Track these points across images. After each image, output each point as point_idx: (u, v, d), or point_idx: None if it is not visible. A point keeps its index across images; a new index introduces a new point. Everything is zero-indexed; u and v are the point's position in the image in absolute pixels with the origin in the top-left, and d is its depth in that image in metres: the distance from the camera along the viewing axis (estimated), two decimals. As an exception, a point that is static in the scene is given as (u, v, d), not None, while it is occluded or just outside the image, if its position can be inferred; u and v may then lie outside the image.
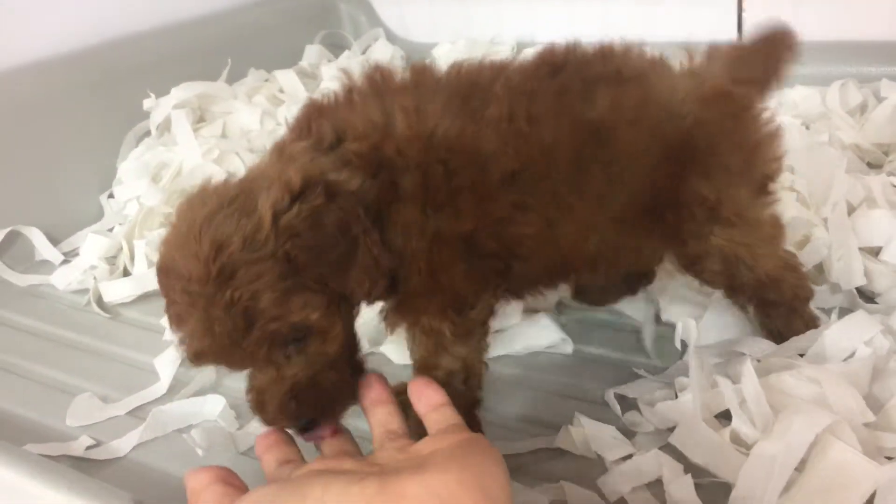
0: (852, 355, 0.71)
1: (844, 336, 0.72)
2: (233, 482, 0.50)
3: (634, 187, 0.66)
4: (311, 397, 0.55)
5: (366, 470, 0.46)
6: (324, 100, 0.63)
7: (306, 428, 0.55)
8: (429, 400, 0.55)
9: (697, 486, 0.62)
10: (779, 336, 0.77)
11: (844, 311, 0.79)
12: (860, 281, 0.85)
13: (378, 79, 0.63)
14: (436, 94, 0.61)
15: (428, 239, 0.59)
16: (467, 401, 0.68)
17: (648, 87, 0.66)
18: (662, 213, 0.69)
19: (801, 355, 0.73)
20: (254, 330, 0.51)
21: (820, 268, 0.89)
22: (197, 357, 0.53)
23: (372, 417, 0.56)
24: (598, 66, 0.66)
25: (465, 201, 0.60)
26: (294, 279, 0.52)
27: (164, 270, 0.54)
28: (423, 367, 0.67)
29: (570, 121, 0.63)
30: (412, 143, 0.59)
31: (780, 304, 0.76)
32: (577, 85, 0.64)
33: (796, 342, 0.74)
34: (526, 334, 0.82)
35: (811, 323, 0.77)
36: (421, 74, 0.64)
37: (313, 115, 0.61)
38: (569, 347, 0.86)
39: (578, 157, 0.63)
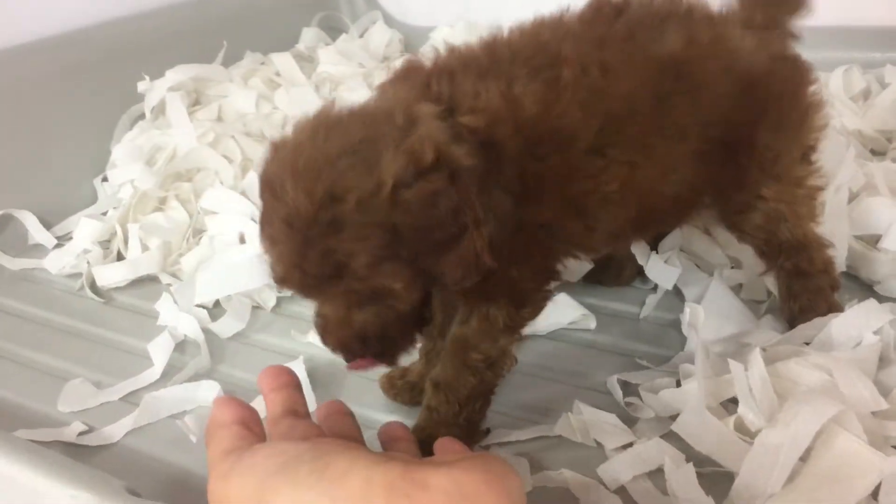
0: (859, 344, 0.70)
1: (853, 324, 0.71)
2: (253, 427, 0.49)
3: (712, 118, 0.65)
4: (374, 341, 0.57)
5: (386, 457, 0.45)
6: (438, 59, 0.62)
7: (362, 361, 0.59)
8: (451, 451, 0.55)
9: (699, 475, 0.61)
10: (795, 319, 0.77)
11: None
12: (841, 267, 0.85)
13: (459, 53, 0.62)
14: (514, 67, 0.59)
15: (510, 230, 0.57)
16: (487, 388, 0.69)
17: (721, 28, 0.67)
18: (736, 152, 0.69)
19: (807, 344, 0.72)
20: (339, 281, 0.51)
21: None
22: (281, 281, 0.54)
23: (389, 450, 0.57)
24: (667, 4, 0.66)
25: (551, 190, 0.59)
26: (392, 248, 0.51)
27: (270, 189, 0.52)
28: (461, 346, 0.66)
29: (645, 59, 0.62)
30: (520, 130, 0.57)
31: (810, 277, 0.77)
32: (647, 21, 0.63)
33: (803, 330, 0.73)
34: (546, 313, 0.82)
35: (834, 309, 0.76)
36: (493, 44, 0.62)
37: (434, 74, 0.59)
38: (592, 322, 0.87)
39: (657, 94, 0.62)
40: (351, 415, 0.58)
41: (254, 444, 0.46)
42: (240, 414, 0.50)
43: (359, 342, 0.57)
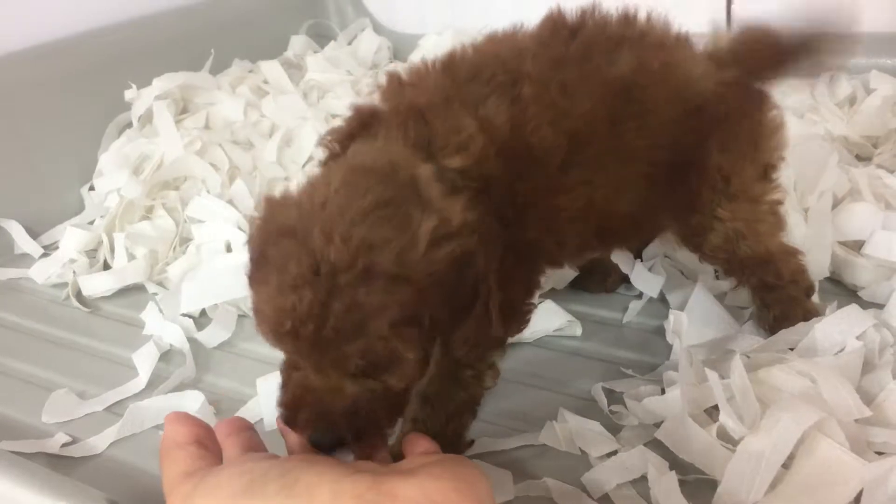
0: (843, 350, 0.71)
1: (836, 329, 0.72)
2: (209, 446, 0.48)
3: (662, 142, 0.66)
4: (358, 421, 0.52)
5: (353, 468, 0.45)
6: (399, 98, 0.60)
7: (331, 447, 0.52)
8: (422, 449, 0.53)
9: (683, 483, 0.61)
10: (773, 327, 0.78)
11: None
12: (824, 274, 0.86)
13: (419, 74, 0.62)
14: (476, 86, 0.59)
15: (501, 252, 0.56)
16: (474, 401, 0.68)
17: (672, 54, 0.67)
18: (686, 173, 0.70)
19: (792, 349, 0.72)
20: (360, 339, 0.48)
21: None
22: (282, 336, 0.49)
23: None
24: (620, 27, 0.66)
25: (535, 207, 0.59)
26: (417, 310, 0.49)
27: (287, 231, 0.50)
28: (454, 366, 0.66)
29: (600, 81, 0.62)
30: (500, 153, 0.56)
31: (779, 288, 0.77)
32: (602, 44, 0.64)
33: (786, 335, 0.74)
34: (532, 319, 0.82)
35: (811, 315, 0.77)
36: (451, 64, 0.62)
37: (409, 116, 0.58)
38: (578, 329, 0.87)
39: (611, 116, 0.62)
40: (251, 429, 0.55)
41: (213, 464, 0.45)
42: (195, 432, 0.48)
43: (345, 418, 0.52)
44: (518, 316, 0.64)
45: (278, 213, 0.52)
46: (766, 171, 0.75)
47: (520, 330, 0.66)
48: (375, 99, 0.62)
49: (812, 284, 0.80)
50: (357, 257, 0.47)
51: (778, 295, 0.78)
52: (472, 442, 0.71)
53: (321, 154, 0.63)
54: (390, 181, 0.52)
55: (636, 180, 0.66)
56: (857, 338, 0.71)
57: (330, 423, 0.52)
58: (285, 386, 0.54)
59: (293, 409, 0.53)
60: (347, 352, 0.49)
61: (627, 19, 0.67)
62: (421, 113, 0.57)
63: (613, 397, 0.75)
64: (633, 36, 0.66)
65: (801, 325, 0.74)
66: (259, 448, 0.52)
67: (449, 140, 0.56)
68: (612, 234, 0.72)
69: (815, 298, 0.81)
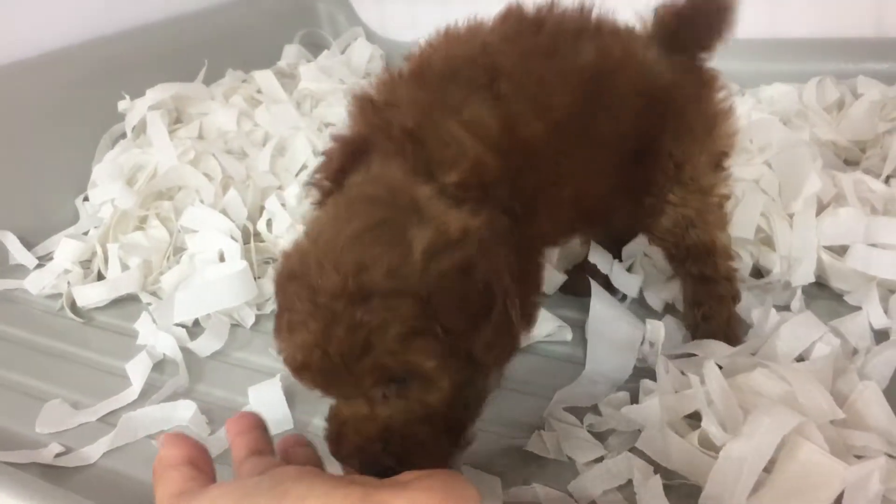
0: (800, 354, 0.73)
1: (793, 335, 0.75)
2: (202, 467, 0.48)
3: (623, 128, 0.67)
4: (398, 445, 0.51)
5: (347, 481, 0.45)
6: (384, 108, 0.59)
7: (378, 475, 0.50)
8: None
9: (669, 488, 0.62)
10: (697, 326, 0.81)
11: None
12: (810, 279, 0.87)
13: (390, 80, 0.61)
14: (453, 89, 0.59)
15: (514, 252, 0.56)
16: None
17: (627, 42, 0.69)
18: (643, 158, 0.72)
19: (753, 354, 0.74)
20: (367, 357, 0.48)
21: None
22: (299, 370, 0.51)
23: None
24: (578, 19, 0.67)
25: (539, 199, 0.59)
26: (424, 321, 0.49)
27: (291, 276, 0.51)
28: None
29: (571, 70, 0.63)
30: (496, 151, 0.56)
31: (713, 283, 0.79)
32: (565, 35, 0.65)
33: (749, 343, 0.77)
34: None
35: (733, 320, 0.81)
36: (420, 72, 0.62)
37: (404, 140, 0.57)
38: (568, 334, 0.87)
39: (586, 104, 0.63)
40: (310, 445, 0.55)
41: (204, 484, 0.45)
42: (189, 453, 0.48)
43: (380, 442, 0.51)
44: (529, 315, 0.63)
45: (286, 262, 0.53)
46: (720, 160, 0.77)
47: (529, 329, 0.64)
48: (351, 125, 0.62)
49: (740, 292, 0.82)
50: (347, 279, 0.48)
51: (710, 290, 0.80)
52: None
53: (314, 195, 0.62)
54: (386, 205, 0.53)
55: (608, 166, 0.68)
56: (819, 342, 0.74)
57: (366, 451, 0.52)
58: (328, 420, 0.55)
59: (335, 442, 0.54)
60: (359, 372, 0.49)
61: (583, 10, 0.68)
62: (413, 134, 0.57)
63: (595, 406, 0.75)
64: (590, 27, 0.67)
65: (755, 333, 0.78)
66: (267, 449, 0.53)
67: (442, 155, 0.56)
68: (594, 216, 0.74)
69: (798, 303, 0.83)
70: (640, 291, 0.92)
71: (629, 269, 0.93)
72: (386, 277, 0.48)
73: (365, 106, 0.61)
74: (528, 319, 0.63)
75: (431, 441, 0.53)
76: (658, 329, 0.80)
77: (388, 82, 0.62)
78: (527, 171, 0.58)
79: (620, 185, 0.71)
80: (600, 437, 0.71)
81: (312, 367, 0.50)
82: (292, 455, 0.54)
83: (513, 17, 0.66)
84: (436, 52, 0.64)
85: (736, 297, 0.82)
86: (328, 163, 0.61)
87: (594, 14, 0.69)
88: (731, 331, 0.80)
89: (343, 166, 0.59)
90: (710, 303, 0.80)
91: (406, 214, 0.52)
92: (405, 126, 0.57)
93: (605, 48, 0.66)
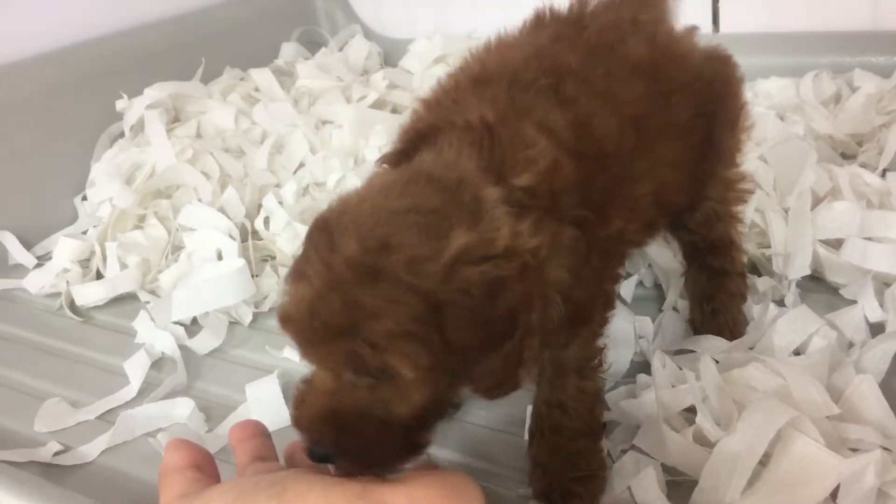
0: (797, 351, 0.73)
1: (790, 329, 0.75)
2: (206, 470, 0.49)
3: (688, 121, 0.66)
4: (345, 436, 0.48)
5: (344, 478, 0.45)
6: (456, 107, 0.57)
7: (321, 458, 0.49)
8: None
9: (671, 482, 0.63)
10: (704, 322, 0.80)
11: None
12: (805, 272, 0.87)
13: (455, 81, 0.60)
14: (520, 94, 0.56)
15: (584, 256, 0.54)
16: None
17: (668, 33, 0.68)
18: (707, 150, 0.70)
19: (750, 349, 0.74)
20: (348, 339, 0.45)
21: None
22: (284, 320, 0.48)
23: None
24: (614, 14, 0.66)
25: (615, 198, 0.58)
26: (424, 327, 0.45)
27: (324, 226, 0.48)
28: (548, 402, 0.64)
29: (630, 63, 0.62)
30: (571, 155, 0.53)
31: (731, 276, 0.79)
32: (610, 30, 0.63)
33: (746, 338, 0.76)
34: None
35: (741, 317, 0.80)
36: (480, 78, 0.59)
37: (483, 132, 0.54)
38: None
39: (653, 94, 0.62)
40: None
41: (207, 486, 0.46)
42: (192, 457, 0.48)
43: (332, 427, 0.48)
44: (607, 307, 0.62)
45: (328, 211, 0.51)
46: (739, 153, 0.76)
47: (607, 322, 0.63)
48: (417, 119, 0.59)
49: (747, 292, 0.82)
50: (366, 254, 0.45)
51: (724, 285, 0.79)
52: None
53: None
54: (447, 194, 0.49)
55: (682, 156, 0.66)
56: (816, 336, 0.74)
57: (315, 429, 0.49)
58: (301, 381, 0.52)
59: (296, 407, 0.51)
60: (335, 349, 0.46)
61: (612, 4, 0.67)
62: (492, 129, 0.54)
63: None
64: (626, 19, 0.65)
65: (752, 327, 0.78)
66: (270, 455, 0.53)
67: (518, 156, 0.53)
68: (670, 207, 0.70)
69: (792, 297, 0.84)
70: (637, 286, 0.92)
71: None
72: (404, 267, 0.45)
73: (437, 101, 0.60)
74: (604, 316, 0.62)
75: (379, 443, 0.49)
76: (647, 325, 0.80)
77: (452, 89, 0.60)
78: (600, 173, 0.56)
79: (693, 176, 0.69)
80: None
81: (297, 322, 0.47)
82: (299, 460, 0.54)
83: (551, 18, 0.65)
84: (489, 61, 0.62)
85: (745, 295, 0.81)
86: (393, 152, 0.59)
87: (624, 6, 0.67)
88: (736, 328, 0.79)
89: (407, 150, 0.57)
90: (722, 297, 0.79)
91: (462, 211, 0.48)
92: (486, 118, 0.54)
93: (651, 38, 0.64)
